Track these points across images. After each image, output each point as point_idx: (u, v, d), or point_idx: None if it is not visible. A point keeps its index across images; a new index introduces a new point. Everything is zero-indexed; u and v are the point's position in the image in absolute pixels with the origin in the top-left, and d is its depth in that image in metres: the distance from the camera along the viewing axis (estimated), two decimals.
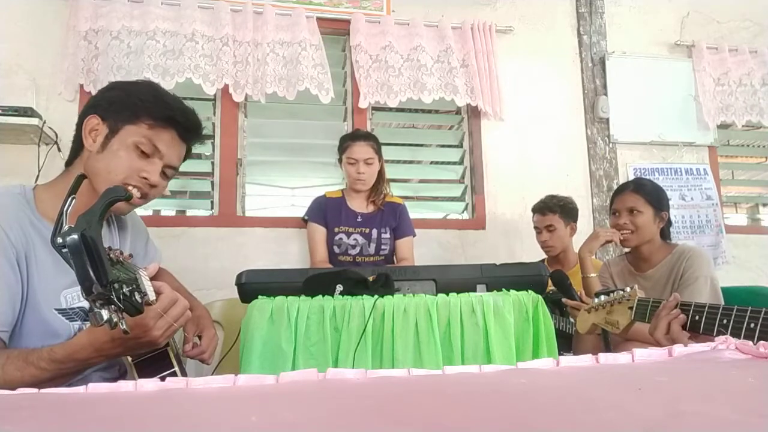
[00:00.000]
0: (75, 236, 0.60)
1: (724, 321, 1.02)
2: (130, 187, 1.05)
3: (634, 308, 1.28)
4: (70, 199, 0.67)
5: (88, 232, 0.60)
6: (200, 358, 1.17)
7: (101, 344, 0.84)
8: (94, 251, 0.61)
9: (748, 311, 0.98)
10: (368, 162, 2.23)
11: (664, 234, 1.92)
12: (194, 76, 2.54)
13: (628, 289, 1.33)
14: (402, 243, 2.32)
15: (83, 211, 0.63)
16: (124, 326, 0.65)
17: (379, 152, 2.28)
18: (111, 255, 0.67)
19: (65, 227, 0.61)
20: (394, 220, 2.32)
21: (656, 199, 1.89)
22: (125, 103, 1.06)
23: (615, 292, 1.37)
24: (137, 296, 0.69)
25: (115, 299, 0.63)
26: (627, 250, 1.99)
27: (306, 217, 2.40)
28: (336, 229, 2.27)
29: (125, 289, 0.66)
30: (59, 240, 0.60)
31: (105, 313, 0.62)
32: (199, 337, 1.21)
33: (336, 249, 2.26)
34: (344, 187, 2.43)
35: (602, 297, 1.41)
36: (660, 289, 1.81)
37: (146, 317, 0.81)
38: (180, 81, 2.51)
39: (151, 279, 0.85)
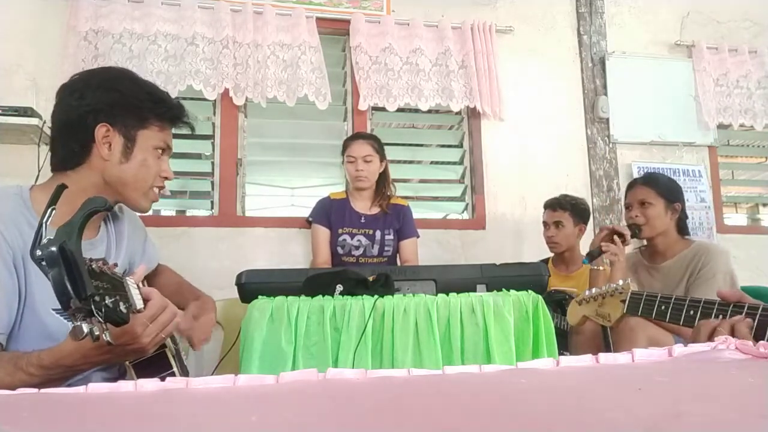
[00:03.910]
0: (53, 249, 0.58)
1: None
2: (155, 189, 1.13)
3: (626, 301, 1.27)
4: (50, 210, 0.64)
5: (67, 245, 0.59)
6: (188, 336, 1.16)
7: (87, 351, 0.83)
8: (72, 264, 0.59)
9: None
10: (366, 159, 2.23)
11: (681, 228, 1.93)
12: (195, 83, 2.54)
13: (620, 282, 1.32)
14: (405, 244, 2.32)
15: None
16: (108, 338, 0.64)
17: (379, 152, 2.29)
18: (93, 266, 0.66)
19: (44, 239, 0.60)
20: (397, 221, 2.32)
21: (667, 190, 1.91)
22: (126, 107, 1.07)
23: (607, 285, 1.36)
24: (122, 306, 0.68)
25: (96, 312, 0.62)
26: (644, 243, 2.01)
27: (310, 219, 2.40)
28: (340, 230, 2.27)
29: (108, 301, 0.65)
30: (38, 252, 0.59)
31: (85, 327, 0.61)
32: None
33: (340, 250, 2.26)
34: (347, 188, 2.43)
35: (594, 289, 1.41)
36: (674, 283, 1.81)
37: (133, 325, 0.80)
38: (182, 89, 2.53)
39: (148, 279, 0.84)
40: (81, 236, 0.62)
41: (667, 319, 1.17)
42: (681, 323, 1.13)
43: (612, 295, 1.33)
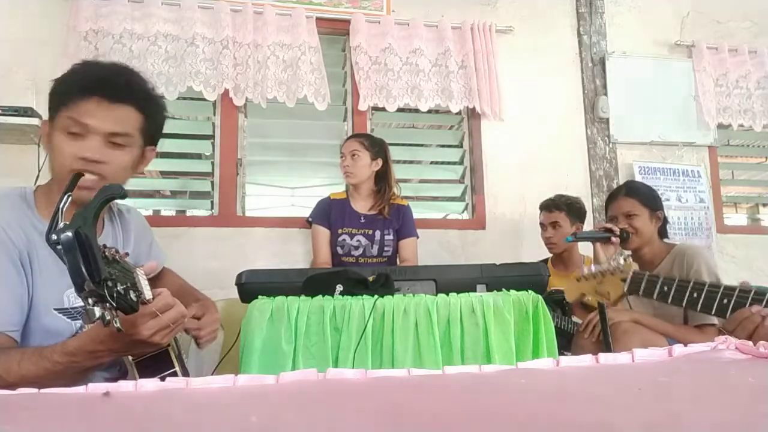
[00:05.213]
0: (69, 233, 0.60)
1: None
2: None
3: (628, 280, 1.25)
4: (65, 196, 0.67)
5: (82, 230, 0.60)
6: (195, 335, 1.15)
7: (103, 337, 0.83)
8: (88, 249, 0.60)
9: None
10: (353, 155, 2.26)
11: (662, 233, 1.93)
12: (195, 84, 2.54)
13: (621, 260, 1.31)
14: (405, 244, 2.32)
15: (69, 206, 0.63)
16: (118, 324, 0.65)
17: (370, 150, 2.28)
18: (107, 253, 0.67)
19: (60, 224, 0.61)
20: (397, 221, 2.32)
21: (650, 199, 1.92)
22: (54, 92, 1.03)
23: (608, 263, 1.34)
24: (132, 294, 0.69)
25: (108, 297, 0.63)
26: (629, 253, 2.00)
27: (310, 219, 2.41)
28: (339, 231, 2.27)
29: (119, 287, 0.65)
30: (54, 237, 0.60)
31: (97, 311, 0.62)
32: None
33: (339, 250, 2.26)
34: (347, 188, 2.43)
35: (593, 267, 1.39)
36: None
37: (137, 315, 0.80)
38: (182, 91, 2.53)
39: (152, 280, 0.84)
40: (96, 222, 0.64)
41: (669, 301, 1.15)
42: (683, 305, 1.11)
43: (613, 274, 1.30)
